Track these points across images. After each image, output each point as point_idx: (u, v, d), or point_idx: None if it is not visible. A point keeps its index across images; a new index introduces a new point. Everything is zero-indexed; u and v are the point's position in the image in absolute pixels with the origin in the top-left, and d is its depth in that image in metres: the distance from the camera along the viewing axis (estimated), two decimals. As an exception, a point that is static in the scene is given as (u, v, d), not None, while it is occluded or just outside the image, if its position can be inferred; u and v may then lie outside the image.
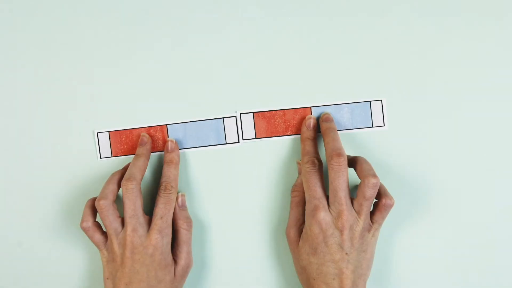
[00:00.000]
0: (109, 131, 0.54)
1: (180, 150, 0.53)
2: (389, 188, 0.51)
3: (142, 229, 0.49)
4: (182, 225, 0.51)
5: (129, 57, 0.54)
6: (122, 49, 0.54)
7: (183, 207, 0.52)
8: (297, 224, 0.51)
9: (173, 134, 0.53)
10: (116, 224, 0.50)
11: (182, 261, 0.51)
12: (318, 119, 0.53)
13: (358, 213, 0.48)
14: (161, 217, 0.49)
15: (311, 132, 0.52)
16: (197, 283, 0.54)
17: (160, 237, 0.49)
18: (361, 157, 0.51)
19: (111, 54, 0.54)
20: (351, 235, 0.48)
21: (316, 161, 0.50)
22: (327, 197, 0.49)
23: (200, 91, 0.53)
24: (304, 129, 0.52)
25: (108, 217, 0.49)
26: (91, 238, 0.50)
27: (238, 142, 0.53)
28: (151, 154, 0.53)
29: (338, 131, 0.52)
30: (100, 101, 0.54)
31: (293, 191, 0.52)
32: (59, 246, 0.54)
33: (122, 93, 0.54)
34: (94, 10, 0.54)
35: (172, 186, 0.51)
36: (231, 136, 0.53)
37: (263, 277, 0.54)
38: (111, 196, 0.50)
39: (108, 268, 0.50)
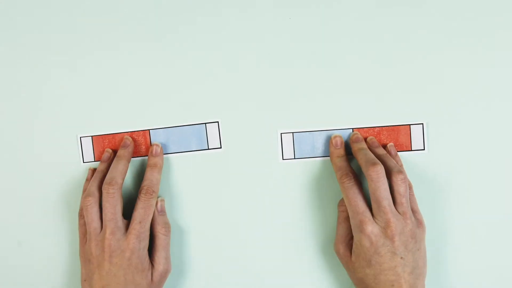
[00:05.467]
0: (92, 136, 0.54)
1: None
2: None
3: (120, 233, 0.49)
4: (160, 230, 0.51)
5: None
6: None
7: (162, 212, 0.52)
8: (345, 239, 0.51)
9: (155, 139, 0.53)
10: (97, 224, 0.50)
11: (160, 266, 0.50)
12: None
13: (403, 214, 0.48)
14: (140, 222, 0.49)
15: (340, 150, 0.52)
16: (176, 289, 0.54)
17: (138, 242, 0.49)
18: (385, 156, 0.51)
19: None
20: (404, 239, 0.48)
21: (350, 173, 0.50)
22: (369, 207, 0.49)
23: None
24: (332, 148, 0.52)
25: (92, 214, 0.50)
26: (81, 226, 0.51)
27: (220, 147, 0.53)
28: (133, 159, 0.53)
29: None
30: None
31: (340, 205, 0.52)
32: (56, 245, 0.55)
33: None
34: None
35: (153, 191, 0.51)
36: (213, 141, 0.53)
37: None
38: (97, 194, 0.50)
39: (85, 270, 0.50)
